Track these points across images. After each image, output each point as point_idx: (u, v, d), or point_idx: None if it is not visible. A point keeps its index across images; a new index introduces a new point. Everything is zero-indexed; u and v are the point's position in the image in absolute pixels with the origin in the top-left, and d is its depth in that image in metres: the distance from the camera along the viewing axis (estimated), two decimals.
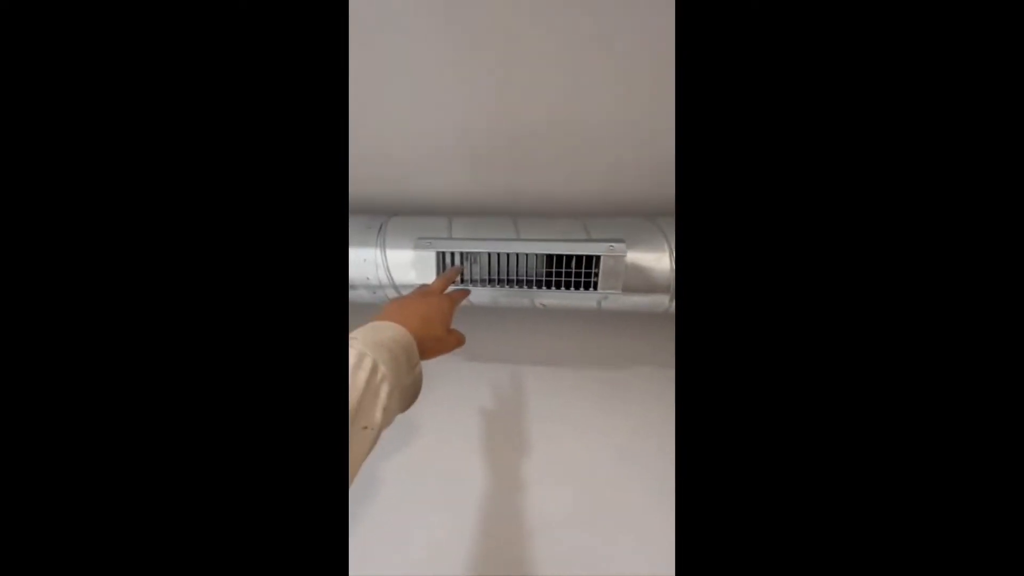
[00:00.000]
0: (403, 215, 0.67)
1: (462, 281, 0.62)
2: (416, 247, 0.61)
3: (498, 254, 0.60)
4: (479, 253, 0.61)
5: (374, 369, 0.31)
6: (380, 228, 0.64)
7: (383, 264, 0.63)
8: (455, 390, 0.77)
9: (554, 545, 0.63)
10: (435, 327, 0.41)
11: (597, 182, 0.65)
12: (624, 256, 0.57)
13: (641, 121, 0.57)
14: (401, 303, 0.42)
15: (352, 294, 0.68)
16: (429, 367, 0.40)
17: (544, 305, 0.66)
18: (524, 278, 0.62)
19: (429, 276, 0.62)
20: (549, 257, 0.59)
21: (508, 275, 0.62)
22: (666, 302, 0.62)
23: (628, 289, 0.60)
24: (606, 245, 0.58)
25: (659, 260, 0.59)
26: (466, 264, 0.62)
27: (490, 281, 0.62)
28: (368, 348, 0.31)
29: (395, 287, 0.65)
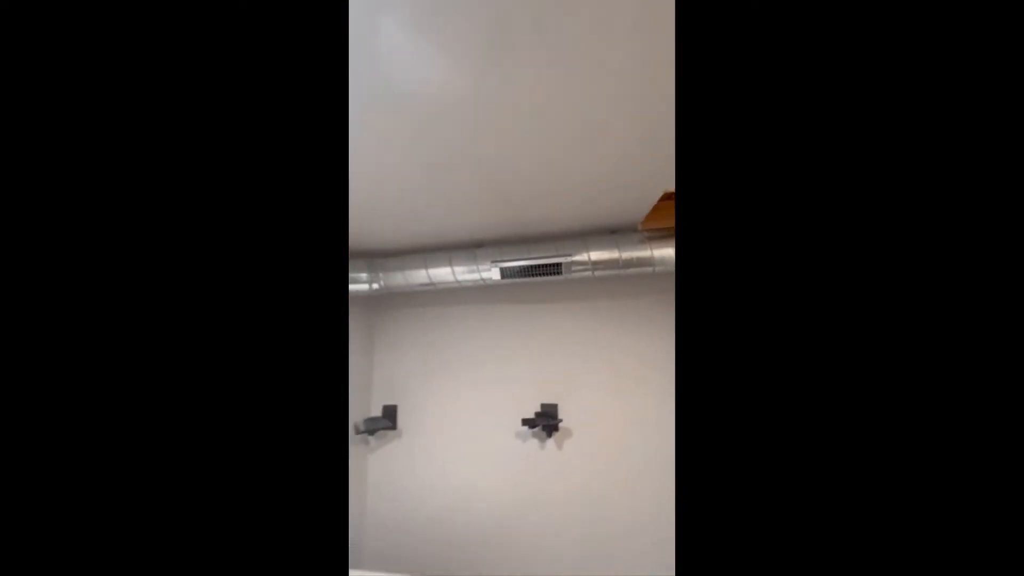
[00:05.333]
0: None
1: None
2: (492, 266, 1.54)
3: (517, 265, 1.53)
4: (509, 267, 1.53)
5: None
6: (475, 255, 1.57)
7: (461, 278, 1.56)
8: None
9: None
10: None
11: (567, 212, 1.56)
12: (571, 261, 1.49)
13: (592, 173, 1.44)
14: None
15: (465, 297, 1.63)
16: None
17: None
18: (533, 270, 1.55)
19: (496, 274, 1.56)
20: (539, 265, 1.52)
21: (527, 272, 1.55)
22: (590, 274, 1.53)
23: (575, 271, 1.52)
24: (564, 256, 1.49)
25: (599, 256, 1.50)
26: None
27: (517, 273, 1.55)
28: None
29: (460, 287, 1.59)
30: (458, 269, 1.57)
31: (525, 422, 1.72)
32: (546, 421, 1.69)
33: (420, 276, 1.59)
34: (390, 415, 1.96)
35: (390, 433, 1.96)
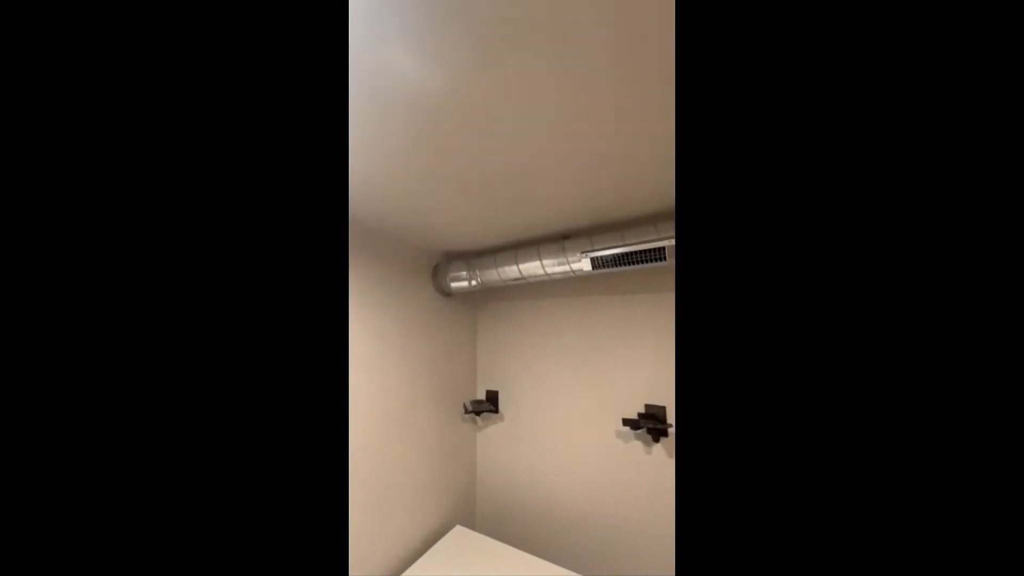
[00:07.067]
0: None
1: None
2: (582, 256, 1.45)
3: (610, 254, 1.38)
4: (600, 256, 1.40)
5: None
6: (563, 246, 1.51)
7: (569, 268, 1.50)
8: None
9: None
10: None
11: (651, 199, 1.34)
12: (673, 244, 1.26)
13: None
14: None
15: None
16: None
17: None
18: (629, 257, 1.38)
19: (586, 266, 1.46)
20: (636, 252, 1.34)
21: (621, 260, 1.39)
22: None
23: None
24: (666, 239, 1.27)
25: None
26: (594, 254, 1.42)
27: (611, 262, 1.41)
28: None
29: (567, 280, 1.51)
30: (547, 262, 1.53)
31: (627, 422, 1.59)
32: (652, 424, 1.53)
33: (512, 272, 1.62)
34: (492, 399, 2.11)
35: (494, 416, 2.11)
